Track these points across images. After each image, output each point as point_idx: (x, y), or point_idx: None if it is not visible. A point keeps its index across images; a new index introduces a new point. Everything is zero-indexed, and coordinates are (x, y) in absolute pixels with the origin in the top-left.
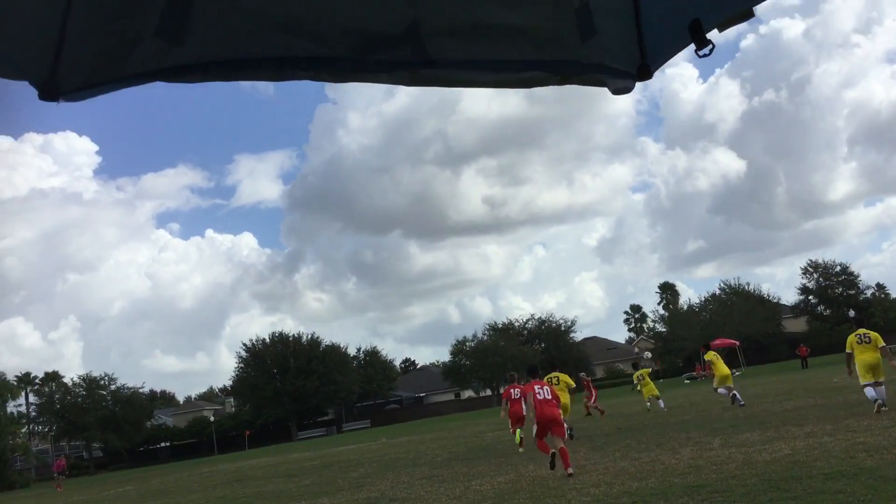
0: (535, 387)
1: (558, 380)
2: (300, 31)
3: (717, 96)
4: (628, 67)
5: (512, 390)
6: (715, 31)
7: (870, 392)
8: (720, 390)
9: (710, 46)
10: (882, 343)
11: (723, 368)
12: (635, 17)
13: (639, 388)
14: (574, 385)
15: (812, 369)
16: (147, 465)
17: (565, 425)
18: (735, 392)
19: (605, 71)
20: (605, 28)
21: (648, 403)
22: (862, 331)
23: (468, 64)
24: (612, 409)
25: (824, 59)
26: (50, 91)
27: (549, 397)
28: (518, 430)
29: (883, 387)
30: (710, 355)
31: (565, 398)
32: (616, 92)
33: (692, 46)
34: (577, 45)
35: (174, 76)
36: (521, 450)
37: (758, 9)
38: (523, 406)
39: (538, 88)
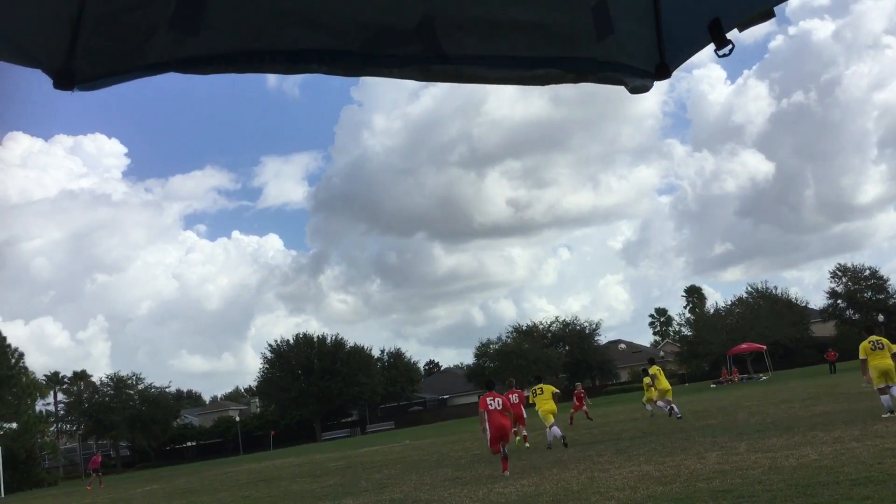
0: (488, 399)
1: (542, 390)
2: (313, 24)
3: (746, 98)
4: (647, 66)
5: (489, 399)
6: (735, 30)
7: (886, 400)
8: (659, 403)
9: (730, 46)
10: (894, 349)
11: (664, 383)
12: (655, 16)
13: (651, 388)
14: (558, 391)
15: (840, 374)
16: (173, 464)
17: (559, 433)
18: (672, 406)
19: (623, 69)
20: (622, 27)
21: (650, 407)
22: (874, 337)
23: (481, 60)
24: (636, 414)
25: (854, 60)
26: (65, 80)
27: (501, 408)
28: (519, 428)
29: (888, 394)
30: (654, 369)
31: (551, 405)
32: (633, 90)
33: (712, 46)
34: (594, 43)
35: (188, 67)
36: (526, 445)
37: (787, 9)
38: (521, 411)
39: (563, 90)
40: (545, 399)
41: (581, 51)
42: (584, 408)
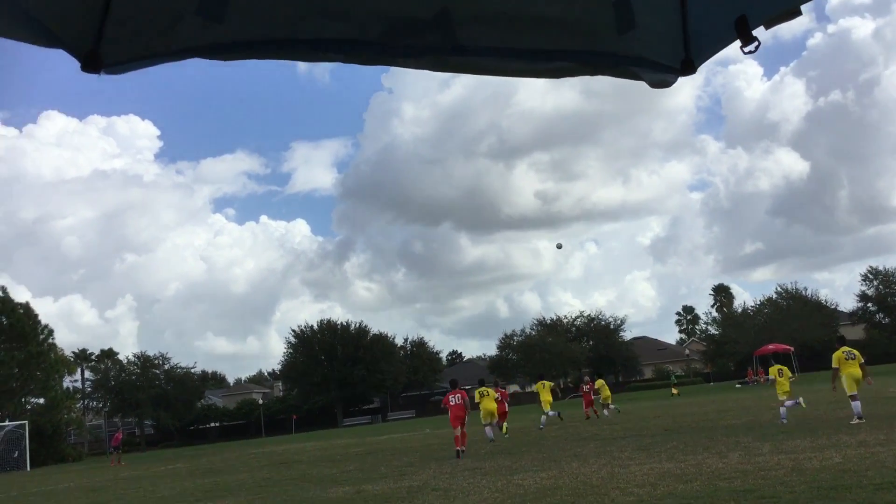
0: (450, 396)
1: (545, 385)
2: (334, 14)
3: (782, 95)
4: (671, 62)
5: (451, 397)
6: (761, 27)
7: (857, 406)
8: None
9: (756, 44)
10: (862, 360)
11: (607, 392)
12: (680, 11)
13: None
14: (553, 384)
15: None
16: (196, 444)
17: (551, 413)
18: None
19: (644, 64)
20: (645, 21)
21: (605, 412)
22: (847, 348)
23: (497, 51)
24: (660, 412)
25: (894, 60)
26: (92, 63)
27: (460, 402)
28: (504, 424)
29: (858, 401)
30: (600, 382)
31: (547, 395)
32: (654, 85)
33: (738, 43)
34: (614, 38)
35: (212, 53)
36: (506, 435)
37: (827, 7)
38: (503, 403)
39: (595, 83)
40: (546, 391)
41: (600, 45)
42: (591, 405)
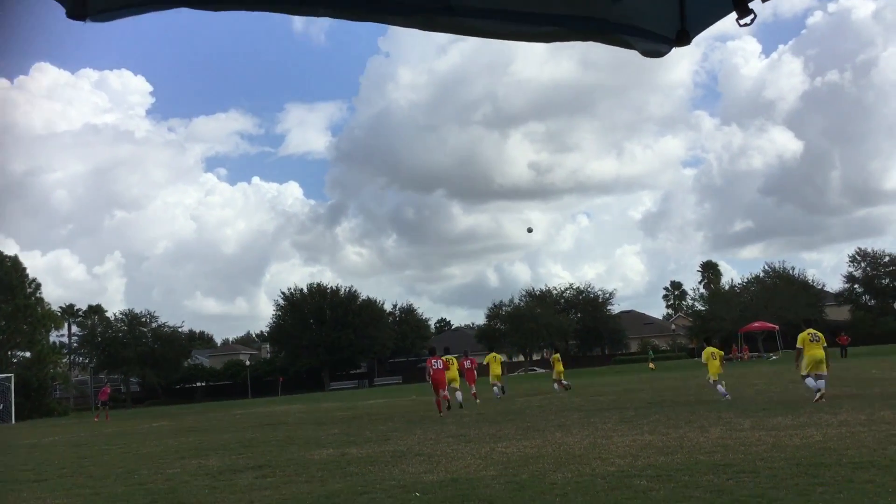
0: (433, 360)
1: (495, 358)
2: None
3: (779, 73)
4: (666, 32)
5: (434, 361)
6: (758, 0)
7: (811, 382)
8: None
9: (752, 16)
10: (825, 343)
11: (559, 367)
12: None
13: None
14: (504, 359)
15: (851, 359)
16: (181, 403)
17: (499, 385)
18: (504, 387)
19: (637, 33)
20: None
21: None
22: (812, 331)
23: (488, 13)
24: (643, 385)
25: (893, 41)
26: (78, 10)
27: (442, 367)
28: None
29: (824, 380)
30: (555, 357)
31: (497, 369)
32: (646, 54)
33: (734, 16)
34: (607, 5)
35: (198, 3)
36: (477, 401)
37: None
38: (472, 371)
39: (594, 54)
40: (496, 363)
41: (593, 11)
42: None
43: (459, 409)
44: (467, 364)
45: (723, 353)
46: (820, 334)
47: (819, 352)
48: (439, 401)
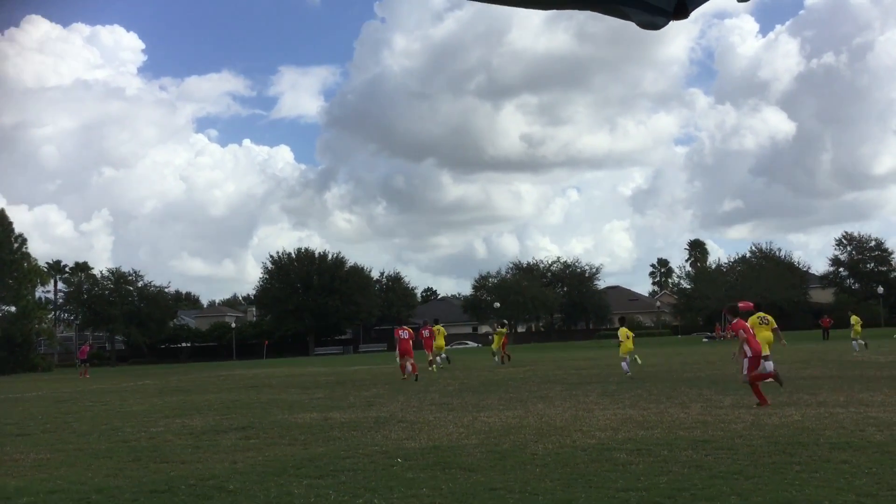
0: (400, 331)
1: (438, 331)
2: None
3: (775, 53)
4: (665, 5)
5: (401, 331)
6: None
7: (769, 366)
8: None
9: None
10: (775, 325)
11: (497, 342)
12: None
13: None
14: (445, 333)
15: (833, 341)
16: (166, 363)
17: (441, 356)
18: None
19: (635, 4)
20: None
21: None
22: (761, 314)
23: None
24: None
25: (890, 26)
26: None
27: (407, 337)
28: (406, 359)
29: (771, 361)
30: (501, 331)
31: (441, 341)
32: (642, 26)
33: None
34: None
35: None
36: (431, 368)
37: None
38: (430, 342)
39: (591, 26)
40: (441, 335)
41: None
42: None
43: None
44: (426, 333)
45: (633, 334)
46: (770, 317)
47: (768, 333)
48: (403, 365)
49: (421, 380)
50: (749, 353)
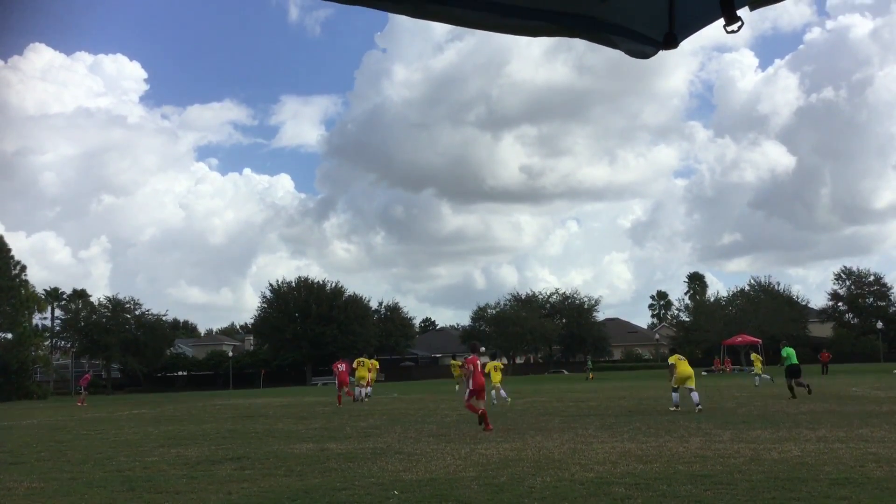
0: (338, 364)
1: (363, 363)
2: None
3: (774, 88)
4: (652, 34)
5: (339, 365)
6: (746, 8)
7: (675, 396)
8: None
9: (739, 24)
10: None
11: (457, 371)
12: None
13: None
14: (377, 366)
15: (832, 376)
16: (162, 392)
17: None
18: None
19: (624, 33)
20: None
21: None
22: (679, 355)
23: (476, 4)
24: (625, 392)
25: (890, 61)
26: None
27: (344, 369)
28: (366, 391)
29: (696, 392)
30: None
31: (363, 372)
32: (632, 55)
33: (722, 21)
34: (596, 3)
35: None
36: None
37: (828, 3)
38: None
39: (590, 59)
40: (364, 368)
41: (581, 8)
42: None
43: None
44: (341, 367)
45: (502, 365)
46: (685, 357)
47: (687, 369)
48: (339, 396)
49: (379, 409)
50: (471, 386)
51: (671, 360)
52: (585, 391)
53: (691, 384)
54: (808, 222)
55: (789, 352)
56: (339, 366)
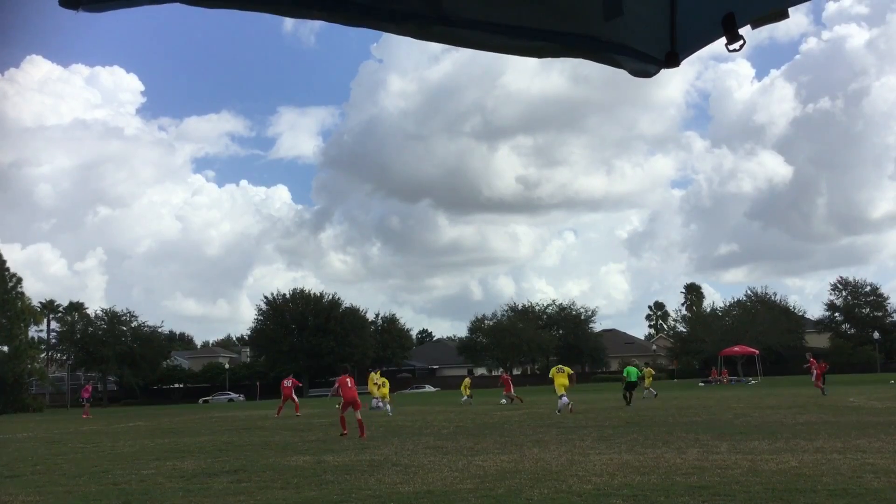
0: (347, 379)
1: (371, 378)
2: None
3: (771, 98)
4: (654, 52)
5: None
6: (748, 27)
7: (563, 400)
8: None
9: (741, 42)
10: (571, 372)
11: (384, 390)
12: (670, 3)
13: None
14: (382, 382)
15: (829, 387)
16: (159, 404)
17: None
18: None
19: (627, 52)
20: (633, 10)
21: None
22: (559, 366)
23: (480, 25)
24: (622, 404)
25: (886, 71)
26: (70, 0)
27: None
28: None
29: (564, 399)
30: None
31: (370, 387)
32: (635, 74)
33: (724, 40)
34: (599, 23)
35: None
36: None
37: (823, 14)
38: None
39: (585, 69)
40: (374, 383)
41: (585, 28)
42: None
43: None
44: (287, 383)
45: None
46: (566, 368)
47: (564, 380)
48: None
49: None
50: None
51: (551, 373)
52: (582, 402)
53: (563, 391)
54: (804, 232)
55: (630, 370)
56: (285, 382)
